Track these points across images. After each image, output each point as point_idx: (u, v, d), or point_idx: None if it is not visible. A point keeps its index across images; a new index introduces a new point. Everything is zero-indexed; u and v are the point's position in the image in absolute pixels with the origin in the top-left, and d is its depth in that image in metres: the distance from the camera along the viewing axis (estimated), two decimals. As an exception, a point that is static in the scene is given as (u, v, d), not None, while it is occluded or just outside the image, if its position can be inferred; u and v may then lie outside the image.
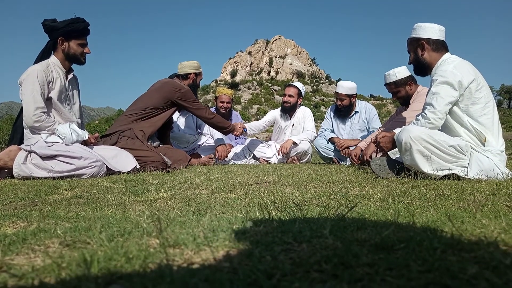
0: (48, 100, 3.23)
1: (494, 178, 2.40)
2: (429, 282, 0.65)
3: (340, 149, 4.61)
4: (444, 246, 0.85)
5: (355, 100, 4.92)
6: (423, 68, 2.76)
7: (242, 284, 0.67)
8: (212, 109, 5.69)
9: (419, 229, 1.06)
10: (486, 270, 0.70)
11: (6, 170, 3.09)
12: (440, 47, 2.69)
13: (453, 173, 2.48)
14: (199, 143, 5.06)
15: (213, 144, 5.00)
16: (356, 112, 4.91)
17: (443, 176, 2.49)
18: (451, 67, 2.54)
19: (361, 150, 3.80)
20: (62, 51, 3.33)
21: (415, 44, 2.76)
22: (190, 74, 4.27)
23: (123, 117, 3.96)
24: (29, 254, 0.93)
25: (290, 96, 5.25)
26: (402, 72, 3.85)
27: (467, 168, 2.49)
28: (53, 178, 2.88)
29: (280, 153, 5.00)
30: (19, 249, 0.97)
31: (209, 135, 5.15)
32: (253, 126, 5.35)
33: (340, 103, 4.85)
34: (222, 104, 5.41)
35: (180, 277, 0.68)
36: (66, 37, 3.30)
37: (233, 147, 5.36)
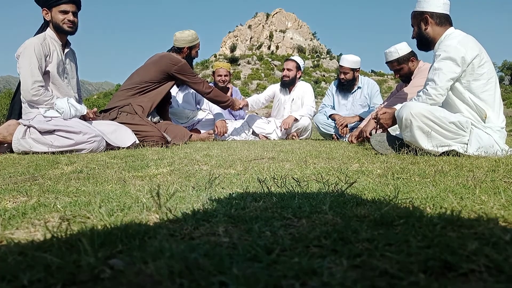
0: (45, 74, 3.20)
1: (493, 155, 2.40)
2: (428, 257, 0.65)
3: (340, 127, 4.59)
4: (443, 222, 0.85)
5: (358, 75, 4.87)
6: (426, 43, 2.72)
7: (241, 259, 0.67)
8: (211, 84, 5.64)
9: (418, 205, 1.06)
10: (486, 246, 0.70)
11: (6, 145, 3.08)
12: (444, 21, 2.64)
13: (452, 150, 2.48)
14: (198, 119, 5.04)
15: (213, 119, 4.98)
16: (359, 87, 4.88)
17: (443, 153, 2.49)
18: (455, 42, 2.50)
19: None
20: (50, 22, 3.27)
21: (419, 18, 2.70)
22: (183, 48, 4.17)
23: (120, 92, 3.92)
24: (29, 229, 0.94)
25: (288, 70, 5.23)
26: (403, 48, 3.79)
27: (467, 144, 2.48)
28: (53, 153, 2.88)
29: (282, 129, 5.00)
30: (19, 223, 0.97)
31: (208, 111, 5.12)
32: (253, 101, 5.33)
33: (343, 76, 4.80)
34: (219, 77, 5.35)
35: (179, 252, 0.69)
36: (47, 7, 3.23)
37: (235, 118, 5.37)
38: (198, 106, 5.26)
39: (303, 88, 5.32)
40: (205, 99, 4.99)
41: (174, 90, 4.99)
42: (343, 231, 0.81)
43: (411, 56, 3.81)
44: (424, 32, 2.68)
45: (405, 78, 3.93)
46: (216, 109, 4.92)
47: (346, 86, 4.85)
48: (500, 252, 0.67)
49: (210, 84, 5.67)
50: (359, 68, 4.82)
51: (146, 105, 3.81)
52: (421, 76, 3.68)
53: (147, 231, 0.85)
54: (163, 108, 4.26)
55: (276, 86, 5.55)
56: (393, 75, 4.09)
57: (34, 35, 3.27)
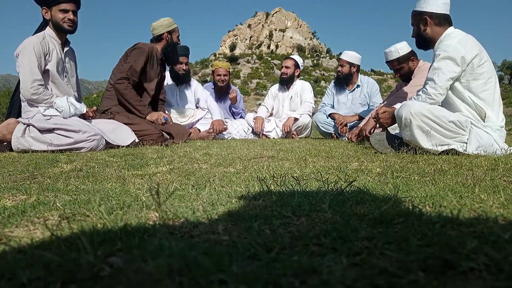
0: (45, 73, 3.20)
1: (492, 154, 2.40)
2: (428, 256, 0.65)
3: (339, 127, 4.60)
4: (443, 221, 0.85)
5: (357, 72, 4.88)
6: (425, 43, 2.72)
7: (241, 257, 0.67)
8: (210, 84, 5.64)
9: (418, 203, 1.06)
10: (485, 245, 0.70)
11: (5, 143, 3.08)
12: (444, 21, 2.63)
13: (452, 149, 2.48)
14: (198, 118, 5.03)
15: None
16: (358, 86, 4.89)
17: (442, 152, 2.49)
18: (455, 42, 2.50)
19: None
20: (49, 21, 3.25)
21: (418, 18, 2.70)
22: (163, 34, 3.99)
23: (106, 91, 3.90)
24: (29, 227, 0.93)
25: (286, 67, 5.32)
26: (404, 48, 3.79)
27: (466, 143, 2.48)
28: (52, 151, 2.88)
29: (284, 132, 5.04)
30: (18, 221, 0.97)
31: (207, 110, 5.12)
32: (265, 114, 5.43)
33: (340, 69, 4.88)
34: (219, 77, 5.37)
35: (179, 250, 0.68)
36: (47, 6, 3.21)
37: (234, 111, 5.43)
38: (197, 105, 5.26)
39: (301, 86, 5.37)
40: (202, 98, 4.98)
41: (174, 89, 4.99)
42: (342, 229, 0.81)
43: (411, 56, 3.81)
44: (423, 32, 2.68)
45: (405, 77, 3.93)
46: (214, 108, 4.92)
47: (341, 80, 4.89)
48: (500, 250, 0.67)
49: (209, 83, 5.67)
50: (358, 66, 4.84)
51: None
52: (421, 75, 3.67)
53: (146, 229, 0.85)
54: (155, 104, 4.19)
55: (275, 86, 5.63)
56: (393, 74, 4.09)
57: (33, 34, 3.26)
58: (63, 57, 3.35)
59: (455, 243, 0.70)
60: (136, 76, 3.76)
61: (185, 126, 4.46)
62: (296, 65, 5.34)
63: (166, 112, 4.49)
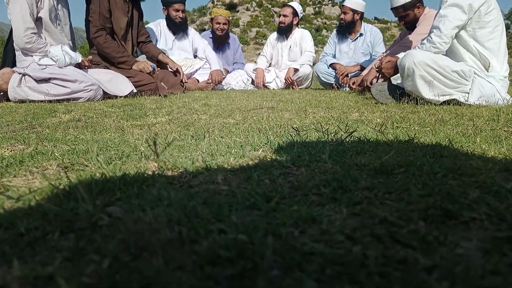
0: (38, 21, 3.09)
1: (494, 104, 2.38)
2: (429, 206, 0.65)
3: (340, 77, 4.52)
4: (444, 171, 0.84)
5: (360, 20, 4.73)
6: (432, -13, 2.61)
7: (240, 207, 0.67)
8: (208, 32, 5.48)
9: (418, 153, 1.05)
10: (487, 195, 0.69)
11: (1, 93, 3.04)
12: (452, -36, 2.51)
13: (453, 99, 2.45)
14: (196, 68, 4.94)
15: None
16: (361, 34, 4.75)
17: (443, 102, 2.46)
18: (463, -13, 2.40)
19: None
20: None
21: (426, -39, 2.58)
22: None
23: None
24: (27, 176, 0.93)
25: (284, 16, 5.11)
26: None
27: (468, 93, 2.45)
28: (50, 101, 2.85)
29: (288, 82, 4.95)
30: (16, 171, 0.97)
31: (205, 59, 5.01)
32: (265, 65, 5.29)
33: (342, 16, 4.72)
34: (218, 25, 5.19)
35: (178, 200, 0.68)
36: None
37: (229, 72, 5.25)
38: (195, 55, 5.14)
39: (300, 35, 5.19)
40: (200, 47, 4.85)
41: (171, 38, 4.86)
42: (342, 179, 0.81)
43: (417, 2, 3.66)
44: (431, -24, 2.57)
45: (410, 25, 3.79)
46: (212, 57, 4.81)
47: (343, 28, 4.74)
48: (501, 200, 0.67)
49: (207, 32, 5.51)
50: (361, 13, 4.68)
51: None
52: (426, 23, 3.55)
53: (145, 179, 0.84)
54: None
55: (273, 34, 5.44)
56: (397, 22, 3.95)
57: None
58: (55, 4, 3.22)
59: (457, 193, 0.70)
60: (108, 21, 3.54)
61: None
62: (295, 13, 5.14)
63: (165, 54, 4.34)
